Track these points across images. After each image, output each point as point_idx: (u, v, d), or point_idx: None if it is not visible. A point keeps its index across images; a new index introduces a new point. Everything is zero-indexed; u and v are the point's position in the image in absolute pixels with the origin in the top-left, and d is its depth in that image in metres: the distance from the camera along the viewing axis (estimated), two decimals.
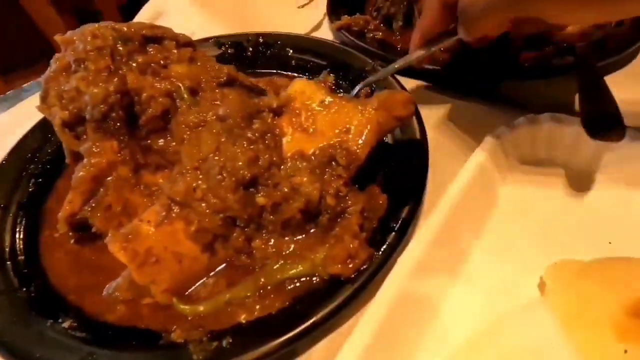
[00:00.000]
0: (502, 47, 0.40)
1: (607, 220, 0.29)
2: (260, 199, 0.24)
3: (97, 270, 0.27)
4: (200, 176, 0.24)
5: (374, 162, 0.30)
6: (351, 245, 0.23)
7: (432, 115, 0.37)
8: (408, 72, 0.41)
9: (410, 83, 0.41)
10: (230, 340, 0.22)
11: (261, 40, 0.47)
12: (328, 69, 0.42)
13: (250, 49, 0.47)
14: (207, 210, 0.23)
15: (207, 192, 0.23)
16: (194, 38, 0.46)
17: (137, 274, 0.22)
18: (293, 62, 0.45)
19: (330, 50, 0.44)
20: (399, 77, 0.38)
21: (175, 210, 0.23)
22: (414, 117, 0.32)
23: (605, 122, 0.28)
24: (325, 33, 0.52)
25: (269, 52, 0.46)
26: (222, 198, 0.23)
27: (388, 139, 0.33)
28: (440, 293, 0.25)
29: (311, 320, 0.22)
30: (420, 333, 0.24)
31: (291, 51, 0.45)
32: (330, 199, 0.24)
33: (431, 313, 0.25)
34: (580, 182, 0.31)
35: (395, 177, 0.29)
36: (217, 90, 0.31)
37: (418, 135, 0.31)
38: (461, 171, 0.30)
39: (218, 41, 0.48)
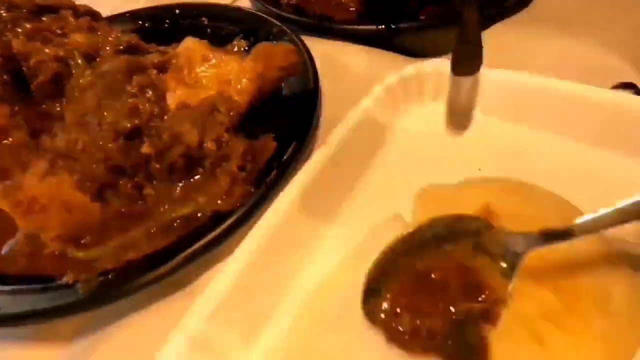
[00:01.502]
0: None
1: (479, 149, 0.31)
2: (145, 149, 0.26)
3: None
4: (81, 130, 0.25)
5: (268, 112, 0.32)
6: (224, 183, 0.25)
7: (330, 66, 0.38)
8: (314, 28, 0.43)
9: (313, 41, 0.42)
10: (115, 275, 0.24)
11: (177, 12, 0.48)
12: (240, 35, 0.44)
13: (167, 21, 0.48)
14: (89, 161, 0.25)
15: (88, 144, 0.25)
16: (115, 12, 0.47)
17: (21, 221, 0.24)
18: (209, 30, 0.46)
19: (244, 17, 0.45)
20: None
21: (59, 164, 0.25)
22: (310, 68, 0.34)
23: (467, 59, 0.31)
24: (246, 2, 0.54)
25: (185, 22, 0.48)
26: (102, 148, 0.25)
27: (286, 91, 0.35)
28: (320, 224, 0.28)
29: (191, 249, 0.24)
30: (296, 261, 0.26)
31: (206, 20, 0.47)
32: (211, 144, 0.26)
33: (309, 242, 0.27)
34: (460, 118, 0.35)
35: (287, 124, 0.32)
36: (115, 57, 0.32)
37: (311, 85, 0.33)
38: (349, 114, 0.32)
39: (135, 15, 0.49)
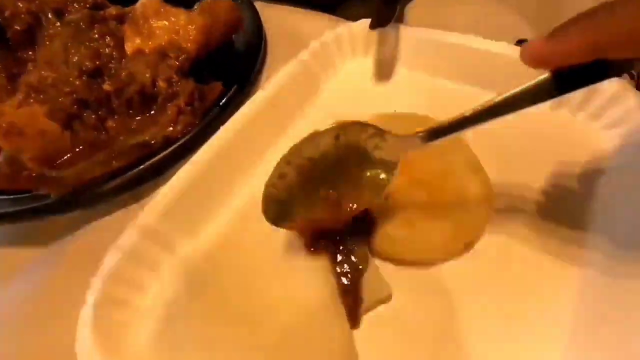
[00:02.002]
0: None
1: (396, 94, 0.37)
2: (106, 86, 0.31)
3: None
4: (51, 68, 0.30)
5: (219, 62, 0.38)
6: (171, 112, 0.30)
7: (279, 27, 0.44)
8: None
9: (266, 5, 0.46)
10: (83, 185, 0.29)
11: None
12: None
13: None
14: (58, 94, 0.30)
15: (56, 80, 0.30)
16: None
17: (3, 141, 0.29)
18: None
19: None
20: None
21: (32, 96, 0.30)
22: (255, 24, 0.40)
23: (381, 15, 0.37)
24: None
25: None
26: (69, 83, 0.30)
27: (240, 45, 0.41)
28: (256, 152, 0.33)
29: (144, 166, 0.29)
30: (235, 178, 0.31)
31: None
32: (162, 83, 0.31)
33: (248, 164, 0.32)
34: (383, 69, 0.40)
35: (235, 72, 0.37)
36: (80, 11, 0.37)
37: (256, 39, 0.39)
38: (287, 64, 0.38)
39: None
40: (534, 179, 0.30)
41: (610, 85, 0.32)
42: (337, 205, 0.26)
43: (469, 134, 0.30)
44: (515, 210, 0.29)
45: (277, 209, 0.26)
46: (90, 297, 0.25)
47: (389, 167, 0.25)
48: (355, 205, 0.26)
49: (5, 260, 0.31)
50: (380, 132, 0.25)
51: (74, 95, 0.30)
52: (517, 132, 0.32)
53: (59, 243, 0.31)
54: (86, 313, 0.24)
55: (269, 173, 0.31)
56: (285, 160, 0.25)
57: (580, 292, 0.25)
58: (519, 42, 0.40)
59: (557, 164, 0.31)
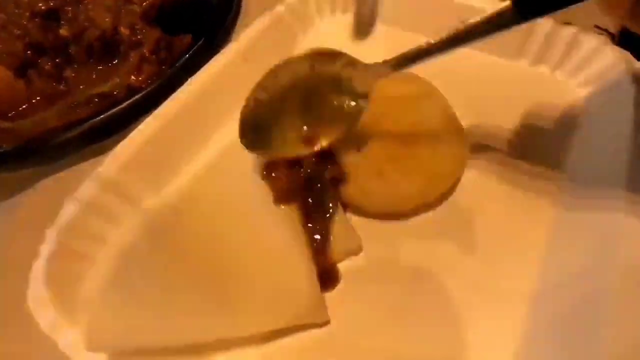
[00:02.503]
0: None
1: (376, 51, 0.35)
2: (62, 31, 0.29)
3: None
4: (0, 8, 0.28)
5: (189, 14, 0.36)
6: (133, 60, 0.28)
7: None
8: None
9: None
10: (39, 136, 0.27)
11: None
12: None
13: None
14: (9, 37, 0.28)
15: (6, 22, 0.28)
16: None
17: None
18: None
19: None
20: None
21: None
22: None
23: None
24: None
25: None
26: (21, 26, 0.28)
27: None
28: (226, 105, 0.30)
29: (106, 115, 0.28)
30: (199, 132, 0.29)
31: None
32: (124, 29, 0.29)
33: (216, 117, 0.30)
34: (362, 26, 0.38)
35: (206, 24, 0.35)
36: None
37: None
38: (261, 17, 0.36)
39: None
40: (509, 131, 0.30)
41: (589, 43, 0.32)
42: (311, 136, 0.25)
43: (445, 87, 0.31)
44: (488, 162, 0.28)
45: (253, 134, 0.25)
46: (44, 249, 0.23)
47: (362, 97, 0.24)
48: (328, 135, 0.25)
49: None
50: (352, 61, 0.24)
51: (27, 39, 0.28)
52: (495, 86, 0.32)
53: (15, 198, 0.29)
54: (39, 265, 0.23)
55: (236, 130, 0.31)
56: (261, 86, 0.25)
57: (550, 237, 0.24)
58: None
59: (533, 118, 0.31)
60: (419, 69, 0.32)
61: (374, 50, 0.38)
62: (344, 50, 0.37)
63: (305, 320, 0.22)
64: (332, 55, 0.24)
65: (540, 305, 0.22)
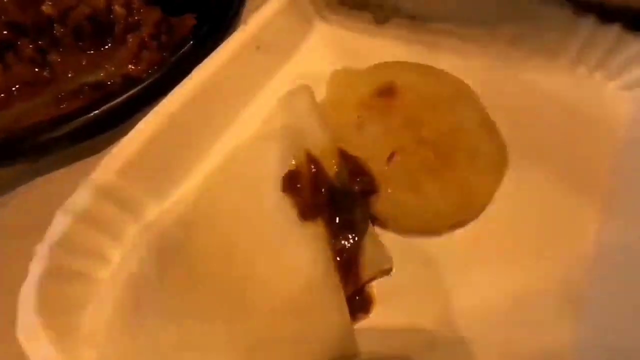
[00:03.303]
0: None
1: (400, 41, 0.32)
2: (45, 8, 0.25)
3: None
4: None
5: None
6: (131, 46, 0.25)
7: None
8: None
9: None
10: (15, 136, 0.24)
11: None
12: None
13: None
14: None
15: None
16: None
17: None
18: None
19: None
20: None
21: None
22: None
23: None
24: None
25: None
26: None
27: None
28: (235, 99, 0.28)
29: (99, 110, 0.24)
30: (206, 131, 0.27)
31: None
32: (119, 8, 0.25)
33: (224, 115, 0.28)
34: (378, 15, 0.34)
35: (211, 4, 0.31)
36: None
37: None
38: (270, 1, 0.32)
39: None
40: (547, 140, 0.27)
41: (629, 45, 0.30)
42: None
43: (482, 93, 0.28)
44: (528, 173, 0.26)
45: None
46: (35, 268, 0.20)
47: None
48: None
49: None
50: None
51: (2, 17, 0.24)
52: (532, 92, 0.29)
53: (5, 196, 0.26)
54: (29, 287, 0.20)
55: (252, 126, 0.28)
56: None
57: (590, 260, 0.23)
58: None
59: (572, 125, 0.28)
60: (452, 67, 0.30)
61: (386, 36, 0.34)
62: (358, 32, 0.35)
63: (335, 354, 0.20)
64: None
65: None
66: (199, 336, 0.18)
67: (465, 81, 0.28)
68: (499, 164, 0.24)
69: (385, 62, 0.29)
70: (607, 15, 0.29)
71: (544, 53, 0.31)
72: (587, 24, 0.29)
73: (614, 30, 0.29)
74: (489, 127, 0.25)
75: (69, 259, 0.21)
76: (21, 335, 0.18)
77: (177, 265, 0.20)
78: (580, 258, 0.23)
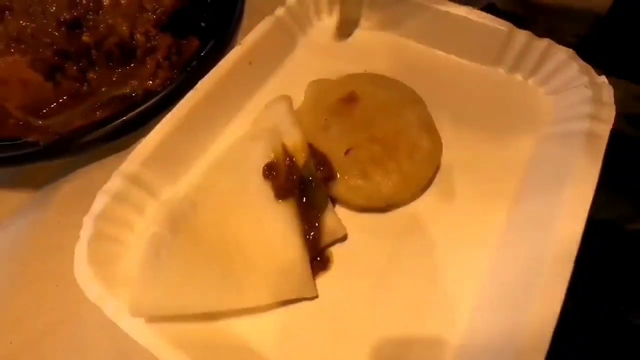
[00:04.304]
0: None
1: (367, 53, 0.39)
2: (85, 37, 0.32)
3: None
4: (30, 18, 0.31)
5: (197, 17, 0.39)
6: (150, 66, 0.32)
7: None
8: None
9: None
10: (67, 135, 0.31)
11: None
12: None
13: None
14: (38, 45, 0.31)
15: (35, 30, 0.31)
16: None
17: None
18: None
19: None
20: None
21: (12, 46, 0.31)
22: None
23: None
24: None
25: None
26: (48, 34, 0.31)
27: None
28: (232, 105, 0.35)
29: (126, 117, 0.32)
30: (210, 130, 0.34)
31: None
32: (140, 36, 0.33)
33: (224, 116, 0.35)
34: (346, 27, 0.41)
35: (212, 28, 0.38)
36: None
37: None
38: (264, 20, 0.39)
39: None
40: (481, 137, 0.34)
41: (559, 55, 0.35)
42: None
43: (427, 96, 0.35)
44: (460, 166, 0.32)
45: None
46: (84, 234, 0.28)
47: None
48: None
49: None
50: None
51: (54, 46, 0.31)
52: (473, 93, 0.36)
53: (48, 187, 0.34)
54: (81, 247, 0.28)
55: (244, 126, 0.34)
56: None
57: (503, 232, 0.29)
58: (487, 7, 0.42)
59: (506, 122, 0.35)
60: (405, 75, 0.36)
61: (369, 52, 0.40)
62: (341, 50, 0.41)
63: (299, 295, 0.27)
64: None
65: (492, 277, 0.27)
66: (200, 275, 0.26)
67: (414, 88, 0.35)
68: (433, 158, 0.31)
69: (351, 74, 0.36)
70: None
71: (487, 62, 0.38)
72: (522, 37, 0.35)
73: (544, 42, 0.35)
74: (428, 127, 0.32)
75: (107, 227, 0.29)
76: (78, 279, 0.26)
77: (185, 229, 0.28)
78: (492, 244, 0.29)
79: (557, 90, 0.35)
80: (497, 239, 0.29)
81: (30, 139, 0.32)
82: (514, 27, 0.35)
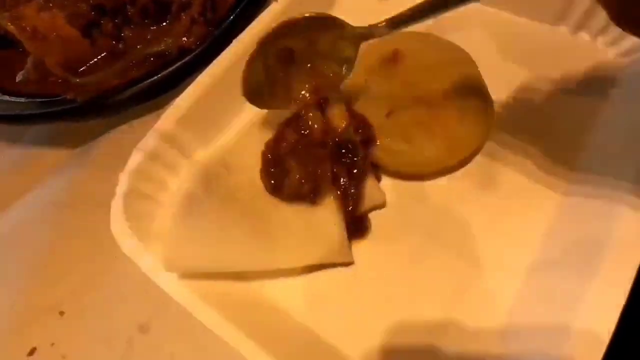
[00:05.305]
0: None
1: None
2: None
3: (10, 66, 0.35)
4: None
5: None
6: (184, 23, 0.31)
7: None
8: None
9: None
10: (105, 92, 0.31)
11: None
12: None
13: None
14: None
15: None
16: None
17: (29, 45, 0.30)
18: None
19: None
20: None
21: (51, 0, 0.30)
22: None
23: None
24: None
25: None
26: None
27: None
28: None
29: (161, 75, 0.31)
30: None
31: None
32: None
33: None
34: None
35: None
36: None
37: None
38: None
39: None
40: (539, 103, 0.30)
41: None
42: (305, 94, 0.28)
43: (480, 55, 0.31)
44: (514, 132, 0.29)
45: (256, 92, 0.27)
46: (119, 190, 0.28)
47: (347, 61, 0.27)
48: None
49: (39, 159, 0.35)
50: (341, 24, 0.27)
51: (91, 1, 0.31)
52: (533, 53, 0.32)
53: (86, 145, 0.34)
54: (117, 202, 0.28)
55: None
56: (262, 43, 0.26)
57: (555, 212, 0.26)
58: None
59: (567, 88, 0.31)
60: (454, 34, 0.33)
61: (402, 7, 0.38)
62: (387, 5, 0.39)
63: (333, 260, 0.26)
64: (324, 20, 0.26)
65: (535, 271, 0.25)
66: (233, 234, 0.25)
67: (467, 50, 0.32)
68: (483, 123, 0.28)
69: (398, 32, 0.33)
70: None
71: (547, 20, 0.34)
72: None
73: None
74: (479, 89, 0.29)
75: (142, 184, 0.29)
76: (115, 232, 0.26)
77: (218, 189, 0.27)
78: (541, 219, 0.26)
79: (630, 52, 0.31)
80: (549, 221, 0.26)
81: (68, 96, 0.32)
82: None
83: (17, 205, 0.32)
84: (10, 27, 0.29)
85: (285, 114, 0.30)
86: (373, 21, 0.37)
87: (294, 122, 0.27)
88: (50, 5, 0.31)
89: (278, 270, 0.25)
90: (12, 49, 0.35)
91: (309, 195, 0.25)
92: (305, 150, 0.26)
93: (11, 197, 0.33)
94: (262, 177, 0.26)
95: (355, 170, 0.28)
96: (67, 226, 0.31)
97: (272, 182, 0.26)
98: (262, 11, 0.34)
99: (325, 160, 0.26)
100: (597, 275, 0.22)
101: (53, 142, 0.35)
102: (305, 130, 0.26)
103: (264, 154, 0.28)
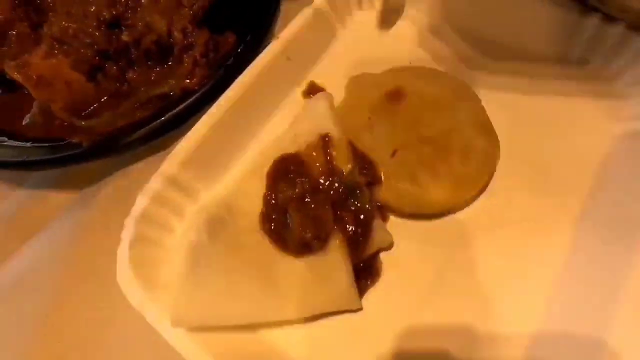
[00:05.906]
0: None
1: (413, 45, 0.36)
2: (124, 36, 0.32)
3: (16, 109, 0.35)
4: (72, 19, 0.31)
5: (234, 13, 0.37)
6: (187, 65, 0.31)
7: None
8: None
9: None
10: (110, 135, 0.31)
11: None
12: None
13: None
14: (80, 45, 0.31)
15: (77, 31, 0.31)
16: None
17: (35, 92, 0.31)
18: None
19: None
20: None
21: (56, 47, 0.31)
22: None
23: None
24: None
25: None
26: (89, 35, 0.31)
27: None
28: (270, 102, 0.34)
29: (165, 117, 0.31)
30: (247, 130, 0.32)
31: None
32: (178, 33, 0.32)
33: (260, 116, 0.33)
34: (389, 17, 0.38)
35: (249, 23, 0.36)
36: None
37: None
38: (301, 12, 0.36)
39: None
40: (545, 137, 0.30)
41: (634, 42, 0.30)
42: None
43: (482, 91, 0.31)
44: (519, 170, 0.29)
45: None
46: (125, 236, 0.28)
47: None
48: None
49: (44, 203, 0.35)
50: None
51: (95, 46, 0.31)
52: (536, 87, 0.32)
53: (91, 188, 0.34)
54: (123, 250, 0.27)
55: (283, 125, 0.33)
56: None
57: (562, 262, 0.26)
58: None
59: (573, 123, 0.30)
60: (456, 68, 0.33)
61: (412, 45, 0.37)
62: (383, 43, 0.38)
63: (342, 307, 0.25)
64: None
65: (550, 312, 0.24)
66: (240, 285, 0.25)
67: (468, 82, 0.32)
68: (489, 160, 0.28)
69: (395, 67, 0.33)
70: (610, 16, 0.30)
71: (550, 50, 0.33)
72: (593, 23, 0.31)
73: (618, 28, 0.30)
74: (484, 126, 0.29)
75: (148, 229, 0.28)
76: (121, 283, 0.26)
77: (223, 236, 0.27)
78: (554, 260, 0.26)
79: (637, 82, 0.31)
80: (562, 255, 0.26)
81: (74, 140, 0.32)
82: (584, 11, 0.31)
83: (18, 254, 0.32)
84: (17, 76, 0.30)
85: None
86: (374, 55, 0.38)
87: (294, 168, 0.27)
88: (56, 52, 0.31)
89: (283, 321, 0.25)
90: (18, 92, 0.36)
91: (313, 242, 0.25)
92: (305, 198, 0.26)
93: (14, 244, 0.32)
94: (263, 228, 0.26)
95: (362, 216, 0.28)
96: (73, 272, 0.31)
97: (274, 232, 0.26)
98: (262, 49, 0.35)
99: (327, 205, 0.26)
100: (615, 318, 0.22)
101: (58, 185, 0.35)
102: (304, 178, 0.26)
103: (264, 205, 0.27)
